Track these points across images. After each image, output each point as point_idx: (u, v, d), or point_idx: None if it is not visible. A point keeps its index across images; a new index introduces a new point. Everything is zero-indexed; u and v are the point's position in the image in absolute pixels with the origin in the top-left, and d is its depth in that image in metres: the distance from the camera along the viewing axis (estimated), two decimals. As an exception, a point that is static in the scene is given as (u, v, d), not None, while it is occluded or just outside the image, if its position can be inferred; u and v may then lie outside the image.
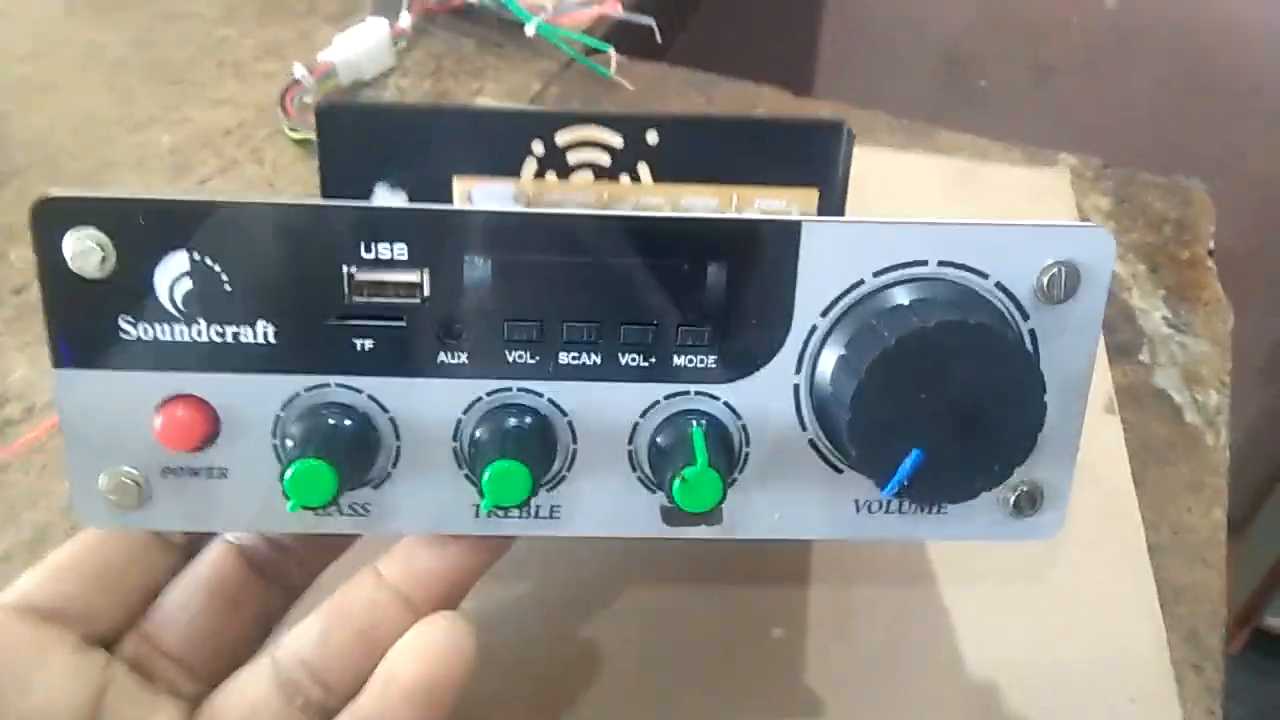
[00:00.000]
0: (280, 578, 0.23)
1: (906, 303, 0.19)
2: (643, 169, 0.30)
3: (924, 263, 0.19)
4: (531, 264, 0.19)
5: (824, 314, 0.20)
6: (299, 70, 0.46)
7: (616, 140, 0.29)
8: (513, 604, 0.28)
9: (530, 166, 0.29)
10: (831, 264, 0.19)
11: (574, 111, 0.31)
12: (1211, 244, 0.41)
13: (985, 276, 0.19)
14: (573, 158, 0.29)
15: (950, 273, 0.19)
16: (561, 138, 0.29)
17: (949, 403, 0.18)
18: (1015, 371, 0.18)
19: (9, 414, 0.33)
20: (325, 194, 0.29)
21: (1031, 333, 0.20)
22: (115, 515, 0.20)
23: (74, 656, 0.20)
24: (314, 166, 0.28)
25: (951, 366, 0.18)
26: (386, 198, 0.29)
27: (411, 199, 0.29)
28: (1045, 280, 0.19)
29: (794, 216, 0.19)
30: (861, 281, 0.19)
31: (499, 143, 0.29)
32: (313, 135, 0.28)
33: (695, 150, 0.29)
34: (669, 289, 0.20)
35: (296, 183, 0.43)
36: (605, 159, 0.30)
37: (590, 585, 0.29)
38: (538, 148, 0.29)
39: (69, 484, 0.20)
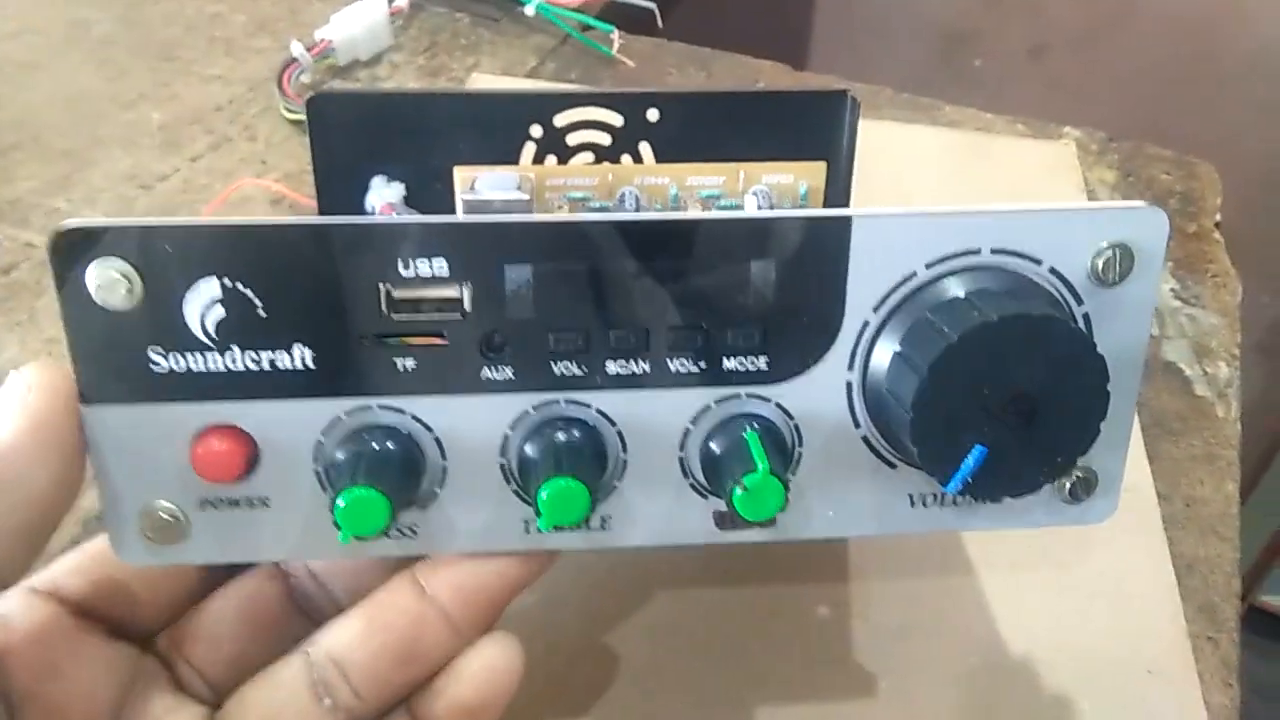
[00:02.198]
0: (314, 611, 0.22)
1: (963, 294, 0.18)
2: (644, 148, 0.29)
3: (976, 251, 0.19)
4: (574, 272, 0.19)
5: (876, 309, 0.19)
6: (296, 49, 0.45)
7: (616, 120, 0.29)
8: (526, 597, 0.28)
9: (529, 150, 0.29)
10: (883, 257, 0.19)
11: (572, 92, 0.30)
12: (1218, 216, 0.41)
13: (1039, 263, 0.19)
14: (572, 139, 0.29)
15: (1004, 260, 0.19)
16: (560, 119, 0.28)
17: (1012, 396, 0.18)
18: (1079, 362, 0.18)
19: None
20: (319, 187, 0.28)
21: (1086, 317, 0.20)
22: (154, 551, 0.20)
23: (104, 646, 0.20)
24: (308, 142, 0.27)
25: (1015, 359, 0.18)
26: (384, 190, 0.29)
27: (410, 190, 0.28)
28: (1099, 263, 0.19)
29: (844, 211, 0.19)
30: (914, 274, 0.19)
31: (497, 128, 0.28)
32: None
33: (698, 127, 0.29)
34: (717, 291, 0.19)
35: (290, 159, 0.42)
36: (605, 139, 0.29)
37: (609, 569, 0.29)
38: (536, 130, 0.28)
39: (105, 520, 0.19)
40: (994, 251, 0.19)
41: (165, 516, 0.19)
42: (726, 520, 0.21)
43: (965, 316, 0.18)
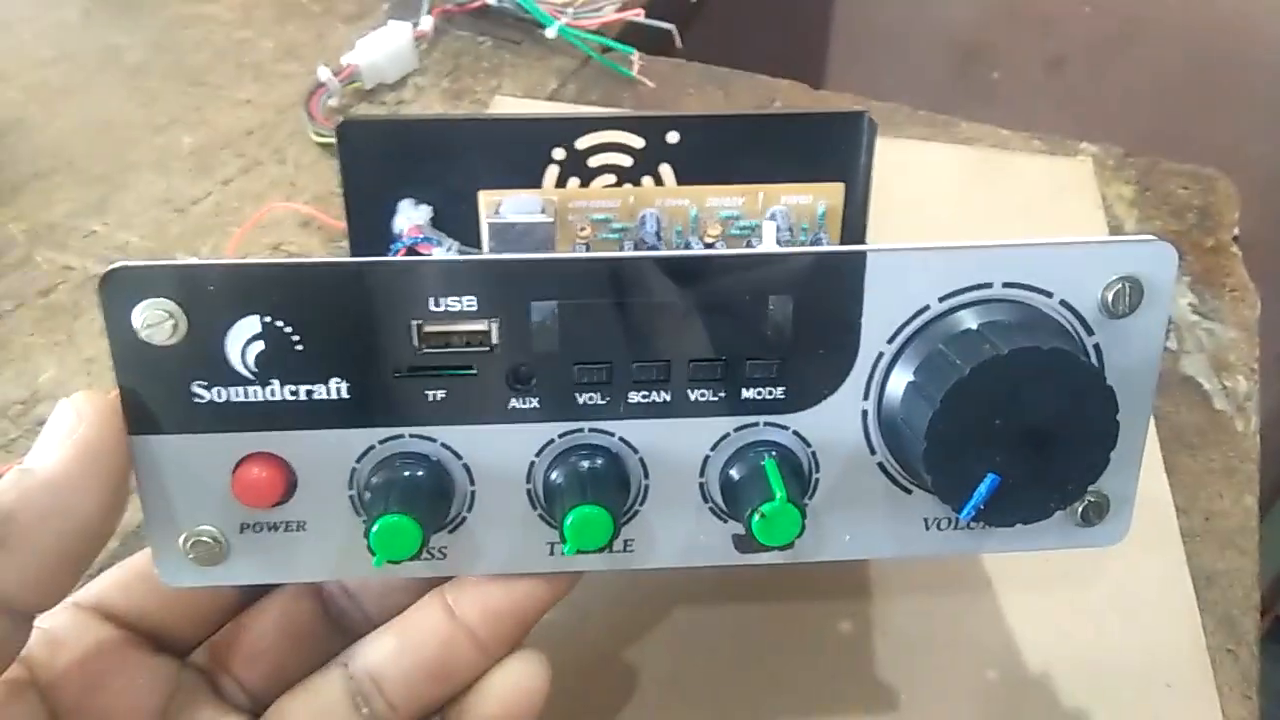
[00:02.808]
0: (347, 624, 0.23)
1: (975, 327, 0.19)
2: (665, 170, 0.30)
3: (989, 285, 0.19)
4: (599, 306, 0.19)
5: (890, 340, 0.20)
6: (323, 73, 0.46)
7: (638, 142, 0.29)
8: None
9: (552, 173, 0.29)
10: (897, 291, 0.19)
11: (594, 116, 0.30)
12: (1236, 231, 0.41)
13: (1050, 295, 0.20)
14: (594, 161, 0.30)
15: (1015, 293, 0.20)
16: (582, 142, 0.29)
17: (1023, 426, 0.18)
18: (1089, 394, 0.18)
19: (40, 413, 0.33)
20: (348, 210, 0.29)
21: (1096, 347, 0.20)
22: (197, 573, 0.21)
23: (147, 659, 0.21)
24: (336, 166, 0.28)
25: (1025, 391, 0.18)
26: (411, 212, 0.29)
27: (437, 213, 0.29)
28: (1109, 296, 0.20)
29: (860, 247, 0.19)
30: (927, 307, 0.20)
31: (520, 151, 0.29)
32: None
33: (717, 149, 0.29)
34: (737, 324, 0.20)
35: (318, 181, 0.43)
36: (627, 161, 0.30)
37: (633, 584, 0.29)
38: (558, 153, 0.29)
39: (149, 544, 0.20)
40: (1006, 285, 0.20)
41: (207, 540, 0.20)
42: (745, 543, 0.22)
43: (977, 349, 0.18)
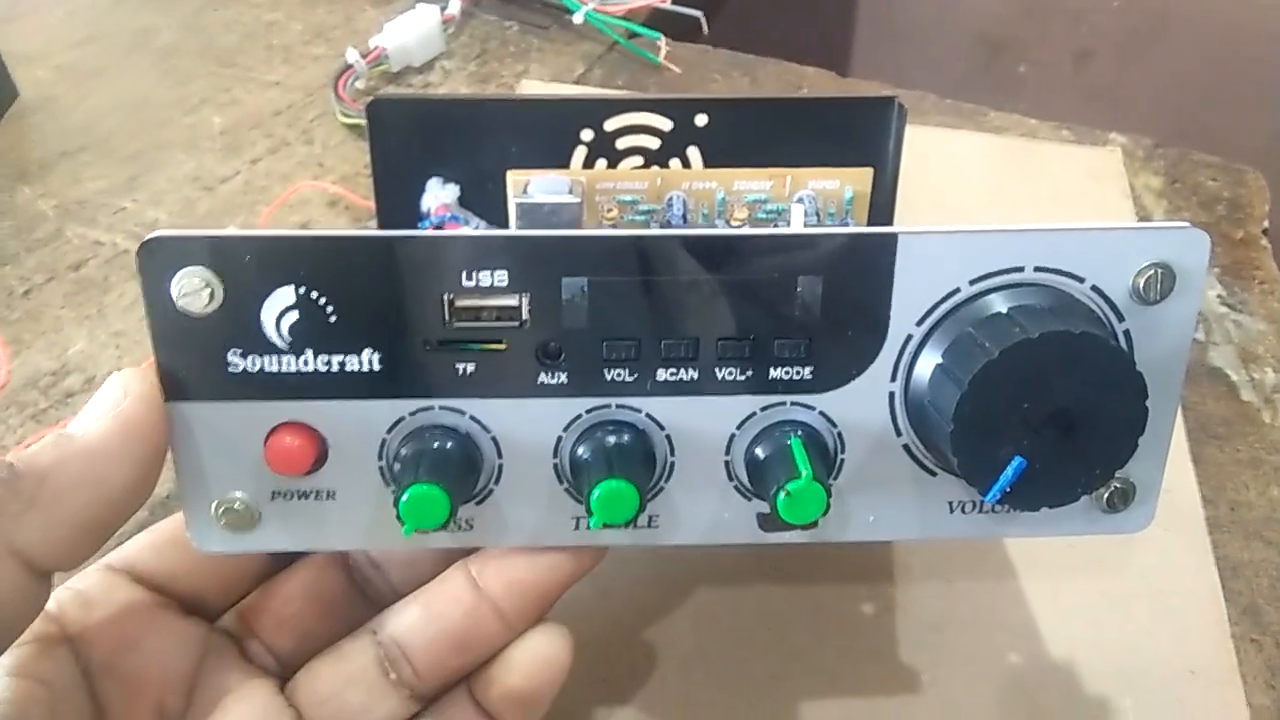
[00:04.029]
0: (373, 594, 0.24)
1: (1005, 310, 0.19)
2: (693, 153, 0.30)
3: (1020, 269, 0.19)
4: (628, 284, 0.20)
5: (919, 323, 0.20)
6: (351, 55, 0.46)
7: (666, 124, 0.29)
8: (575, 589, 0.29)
9: (580, 154, 0.30)
10: (927, 273, 0.19)
11: (623, 98, 0.30)
12: (1266, 223, 0.41)
13: (1081, 280, 0.20)
14: (621, 143, 0.30)
15: (1046, 278, 0.19)
16: (610, 124, 0.29)
17: (1051, 410, 0.18)
18: (1118, 380, 0.18)
19: (70, 385, 0.34)
20: (377, 188, 0.29)
21: (1127, 333, 0.20)
22: (228, 539, 0.21)
23: (177, 621, 0.21)
24: (363, 147, 0.29)
25: (1054, 375, 0.18)
26: (439, 191, 0.30)
27: (465, 192, 0.29)
28: (1141, 282, 0.19)
29: (891, 229, 0.19)
30: (958, 290, 0.20)
31: (549, 132, 0.29)
32: (364, 120, 0.28)
33: (745, 132, 0.29)
34: (766, 304, 0.20)
35: (346, 162, 0.43)
36: (654, 144, 0.30)
37: (658, 562, 0.29)
38: (587, 135, 0.29)
39: (183, 509, 0.21)
40: (1037, 269, 0.19)
41: (239, 507, 0.21)
42: (769, 522, 0.22)
43: (1006, 332, 0.18)
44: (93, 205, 0.41)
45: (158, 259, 0.19)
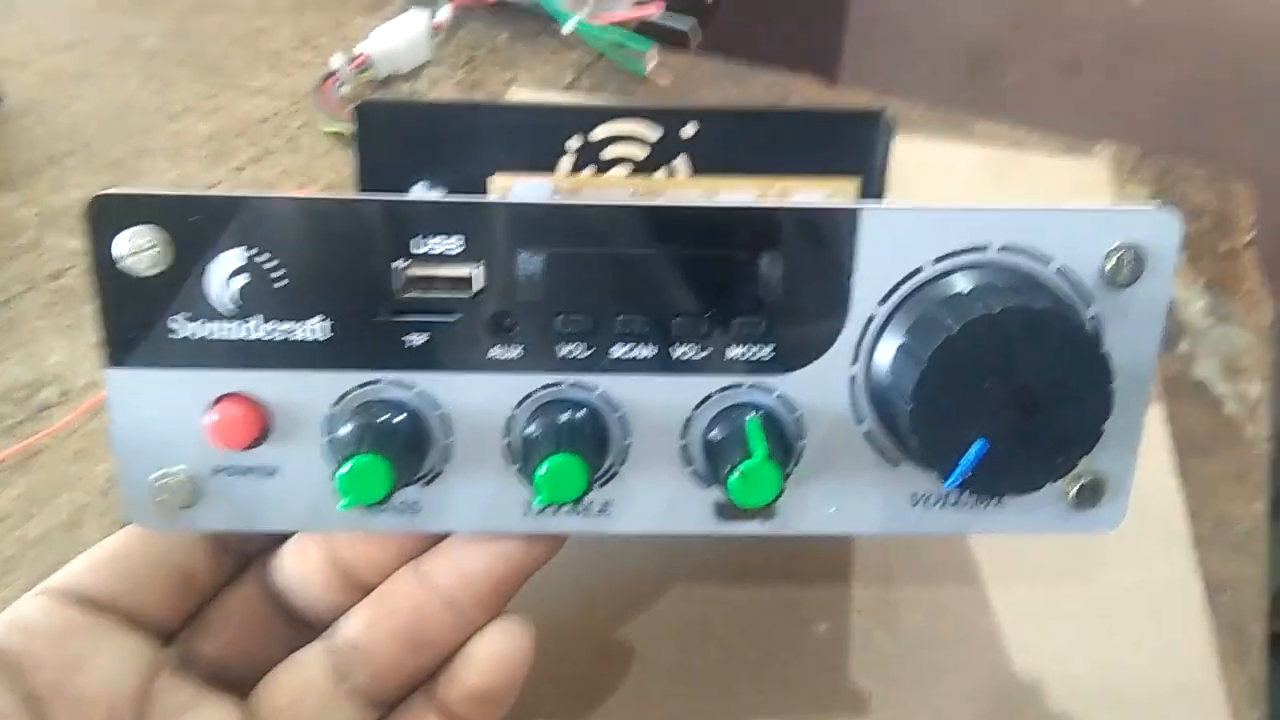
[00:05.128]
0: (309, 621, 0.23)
1: (968, 289, 0.18)
2: (680, 162, 0.30)
3: (984, 248, 0.19)
4: (584, 256, 0.19)
5: (882, 302, 0.19)
6: (336, 61, 0.46)
7: (653, 134, 0.29)
8: (552, 597, 0.28)
9: (567, 162, 0.29)
10: (890, 251, 0.19)
11: (610, 106, 0.30)
12: (1251, 235, 0.41)
13: (1047, 262, 0.19)
14: (609, 153, 0.29)
15: (1012, 258, 0.19)
16: (598, 133, 0.29)
17: (1014, 391, 0.18)
18: (1082, 359, 0.18)
19: (46, 397, 0.33)
20: (362, 191, 0.29)
21: (1095, 318, 0.19)
22: (165, 516, 0.20)
23: (123, 639, 0.21)
24: (348, 156, 0.28)
25: (1017, 354, 0.18)
26: (425, 196, 0.29)
27: None
28: (1109, 264, 0.19)
29: (852, 204, 0.19)
30: (920, 269, 0.19)
31: (536, 139, 0.29)
32: (347, 127, 0.28)
33: (733, 142, 0.29)
34: (724, 280, 0.19)
35: (331, 171, 0.43)
36: (641, 153, 0.29)
37: (629, 577, 0.29)
38: (574, 143, 0.29)
39: (119, 483, 0.20)
40: (1002, 249, 0.19)
41: (177, 482, 0.20)
42: (727, 511, 0.21)
43: (968, 308, 0.18)
44: (73, 213, 0.41)
45: (105, 217, 0.18)
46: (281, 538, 0.22)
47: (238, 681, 0.22)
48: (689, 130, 0.29)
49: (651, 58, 0.49)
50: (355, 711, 0.21)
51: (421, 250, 0.19)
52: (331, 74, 0.46)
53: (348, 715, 0.21)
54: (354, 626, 0.21)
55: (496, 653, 0.21)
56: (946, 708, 0.27)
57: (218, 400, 0.19)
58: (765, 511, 0.21)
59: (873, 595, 0.29)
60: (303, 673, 0.21)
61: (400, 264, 0.19)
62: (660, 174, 0.30)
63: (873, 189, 0.29)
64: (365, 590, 0.22)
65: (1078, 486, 0.21)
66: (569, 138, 0.29)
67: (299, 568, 0.22)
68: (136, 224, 0.18)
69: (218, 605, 0.22)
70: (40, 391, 0.33)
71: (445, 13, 0.50)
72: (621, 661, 0.27)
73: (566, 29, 0.49)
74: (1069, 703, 0.27)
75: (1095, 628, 0.28)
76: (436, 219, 0.19)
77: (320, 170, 0.43)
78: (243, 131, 0.45)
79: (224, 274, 0.19)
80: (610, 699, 0.26)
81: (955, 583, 0.29)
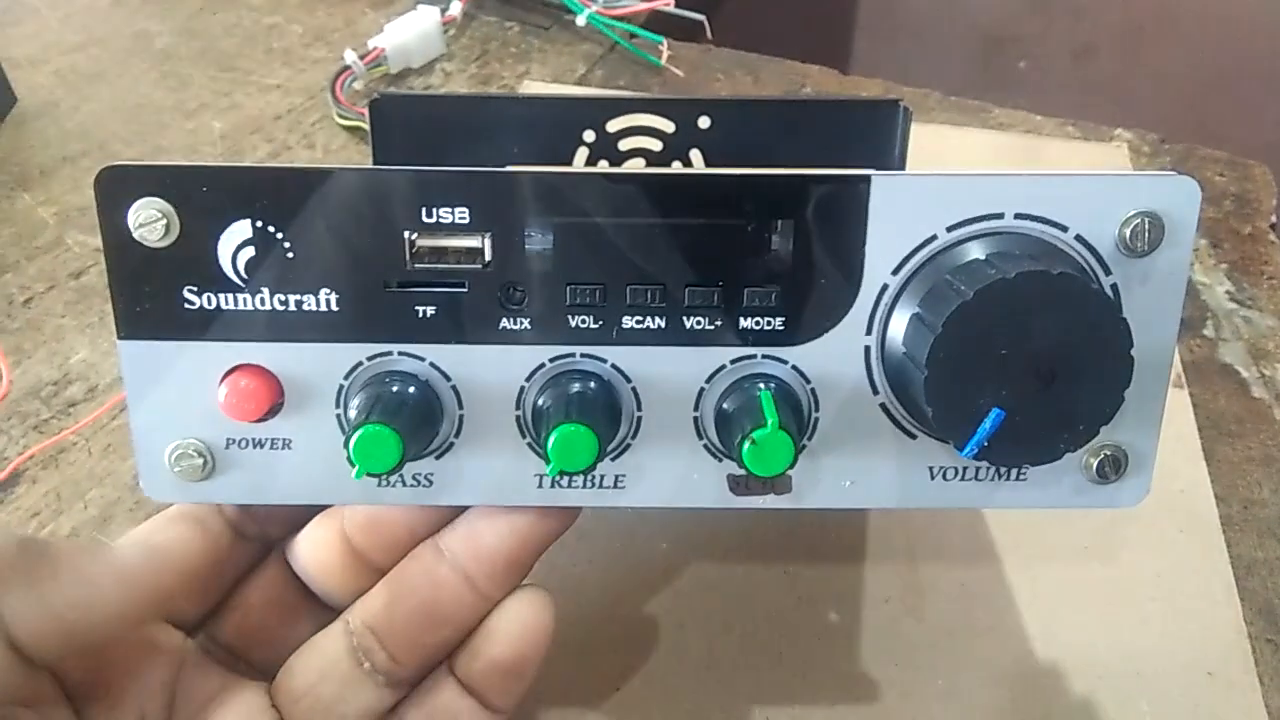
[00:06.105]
0: (329, 604, 0.23)
1: (983, 256, 0.18)
2: (695, 155, 0.29)
3: (1000, 216, 0.19)
4: (594, 226, 0.19)
5: (895, 272, 0.19)
6: (349, 56, 0.46)
7: (668, 126, 0.29)
8: (573, 579, 0.28)
9: (582, 154, 0.29)
10: (903, 220, 0.19)
11: (626, 98, 0.30)
12: (1274, 218, 0.40)
13: (1064, 229, 0.19)
14: (624, 144, 0.29)
15: (1028, 226, 0.19)
16: (613, 125, 0.29)
17: (1030, 359, 0.18)
18: (1100, 324, 0.17)
19: (72, 394, 0.34)
20: None
21: (1114, 287, 0.19)
22: (180, 488, 0.20)
23: (154, 634, 0.21)
24: (363, 151, 0.28)
25: (1033, 320, 0.17)
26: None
27: None
28: (1127, 232, 0.19)
29: (864, 171, 0.19)
30: (935, 237, 0.19)
31: (551, 132, 0.29)
32: (361, 122, 0.28)
33: (748, 134, 0.29)
34: (735, 249, 0.19)
35: (347, 165, 0.43)
36: (657, 145, 0.29)
37: (653, 566, 0.29)
38: (589, 135, 0.29)
39: (135, 456, 0.20)
40: (1018, 216, 0.19)
41: (193, 454, 0.20)
42: (741, 484, 0.21)
43: (982, 275, 0.17)
44: (93, 211, 0.41)
45: (115, 189, 0.18)
46: (300, 524, 0.22)
47: (262, 666, 0.22)
48: (704, 122, 0.29)
49: (664, 50, 0.49)
50: (377, 690, 0.21)
51: (432, 220, 0.19)
52: (345, 69, 0.46)
53: (370, 695, 0.21)
54: (372, 607, 0.21)
55: (517, 624, 0.21)
56: (978, 696, 0.26)
57: (230, 372, 0.20)
58: (779, 484, 0.21)
59: (900, 588, 0.28)
60: (324, 655, 0.21)
61: (410, 235, 0.19)
62: (675, 166, 0.30)
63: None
64: (382, 572, 0.22)
65: (1099, 460, 0.20)
66: (584, 131, 0.29)
67: (316, 552, 0.22)
68: (145, 195, 0.18)
69: (240, 594, 0.22)
70: (67, 389, 0.33)
71: (456, 7, 0.50)
72: (644, 649, 0.27)
73: (579, 21, 0.49)
74: (1099, 690, 0.26)
75: (1124, 612, 0.28)
76: (447, 189, 0.19)
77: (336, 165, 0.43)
78: (258, 128, 0.45)
79: (232, 246, 0.19)
80: (634, 684, 0.26)
81: (982, 568, 0.29)
